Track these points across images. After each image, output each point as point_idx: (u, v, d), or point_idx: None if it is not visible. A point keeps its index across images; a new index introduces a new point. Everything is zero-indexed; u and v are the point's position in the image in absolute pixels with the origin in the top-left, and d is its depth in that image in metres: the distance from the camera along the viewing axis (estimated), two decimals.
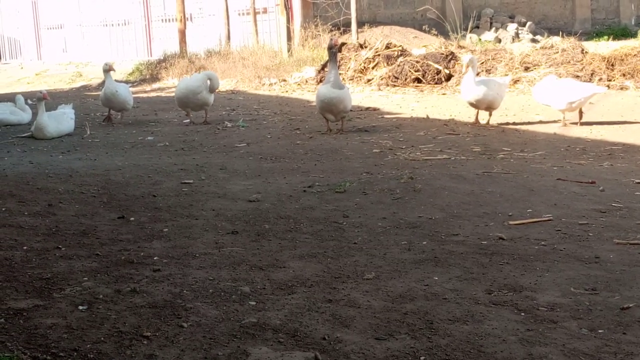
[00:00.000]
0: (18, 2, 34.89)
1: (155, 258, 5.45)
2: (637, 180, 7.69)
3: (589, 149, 9.59)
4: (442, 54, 17.49)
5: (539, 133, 11.04)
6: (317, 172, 8.52)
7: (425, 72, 17.09)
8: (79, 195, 7.47)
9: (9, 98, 14.55)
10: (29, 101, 14.51)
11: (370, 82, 17.66)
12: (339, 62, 17.75)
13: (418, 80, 17.07)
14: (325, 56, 18.01)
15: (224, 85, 19.93)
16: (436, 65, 17.12)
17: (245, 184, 7.94)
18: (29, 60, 33.70)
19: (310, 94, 16.89)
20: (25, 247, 5.71)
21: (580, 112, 11.54)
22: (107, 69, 13.25)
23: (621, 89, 15.29)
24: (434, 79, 17.02)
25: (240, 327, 4.18)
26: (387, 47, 18.32)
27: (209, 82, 12.76)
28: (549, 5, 28.39)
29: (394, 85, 17.12)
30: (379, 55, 18.17)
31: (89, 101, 17.91)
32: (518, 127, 11.64)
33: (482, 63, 17.03)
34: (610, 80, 15.52)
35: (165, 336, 4.06)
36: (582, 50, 16.80)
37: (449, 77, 17.04)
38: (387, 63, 17.87)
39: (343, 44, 19.12)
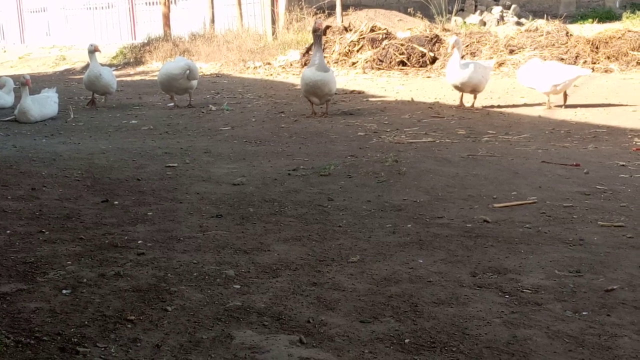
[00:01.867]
0: None
1: (139, 242, 5.43)
2: (621, 163, 7.70)
3: (573, 132, 9.61)
4: (427, 37, 17.49)
5: (524, 116, 11.05)
6: (301, 155, 8.50)
7: (410, 55, 17.09)
8: (63, 179, 7.44)
9: None
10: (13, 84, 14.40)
11: (355, 65, 17.64)
12: (324, 45, 17.74)
13: (403, 63, 17.06)
14: (310, 39, 18.00)
15: (209, 68, 19.89)
16: (421, 48, 17.11)
17: (229, 168, 7.92)
18: (12, 44, 33.49)
19: (294, 77, 16.85)
20: (8, 231, 5.69)
21: (565, 95, 11.55)
22: (92, 50, 13.18)
23: (606, 71, 15.33)
24: (419, 62, 17.02)
25: (224, 310, 4.17)
26: (372, 30, 18.30)
27: (188, 72, 12.69)
28: None
29: (379, 69, 17.12)
30: (363, 38, 18.15)
31: (72, 85, 17.81)
32: (503, 109, 11.64)
33: (467, 46, 17.05)
34: (594, 63, 15.56)
35: (149, 320, 4.05)
36: (567, 33, 16.84)
37: (433, 60, 17.05)
38: (372, 46, 17.85)
39: (328, 27, 19.10)
